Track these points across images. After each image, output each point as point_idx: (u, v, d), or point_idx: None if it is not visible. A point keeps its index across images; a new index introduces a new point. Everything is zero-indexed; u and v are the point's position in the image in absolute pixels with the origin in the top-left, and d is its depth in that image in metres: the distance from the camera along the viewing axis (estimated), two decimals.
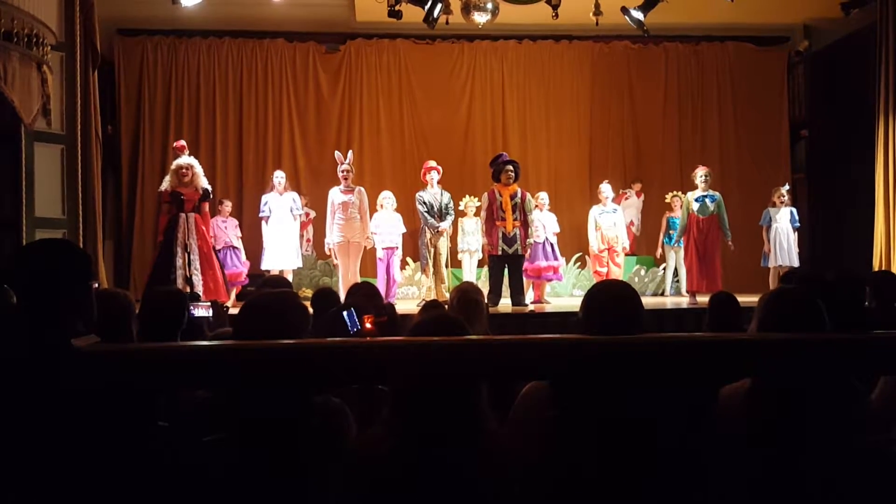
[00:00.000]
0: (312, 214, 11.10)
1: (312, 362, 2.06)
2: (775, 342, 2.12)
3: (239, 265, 9.16)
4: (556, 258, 9.08)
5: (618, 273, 9.07)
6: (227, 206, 9.55)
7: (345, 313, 2.84)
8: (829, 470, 2.02)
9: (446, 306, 3.95)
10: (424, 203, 8.65)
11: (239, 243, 9.42)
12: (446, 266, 8.87)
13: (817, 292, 2.27)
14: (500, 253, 8.33)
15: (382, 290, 7.72)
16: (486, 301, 3.94)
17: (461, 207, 9.89)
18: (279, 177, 9.07)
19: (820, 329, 2.17)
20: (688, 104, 12.61)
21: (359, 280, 7.85)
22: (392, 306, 3.56)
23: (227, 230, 9.25)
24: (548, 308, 8.53)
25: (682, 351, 2.12)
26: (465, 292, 3.81)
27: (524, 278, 8.69)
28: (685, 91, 12.60)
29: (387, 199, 9.04)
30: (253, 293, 3.99)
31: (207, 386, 2.27)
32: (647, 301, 8.96)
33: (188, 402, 2.47)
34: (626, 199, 11.47)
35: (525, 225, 8.42)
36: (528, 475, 2.02)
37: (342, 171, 8.48)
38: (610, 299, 2.33)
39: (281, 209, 8.91)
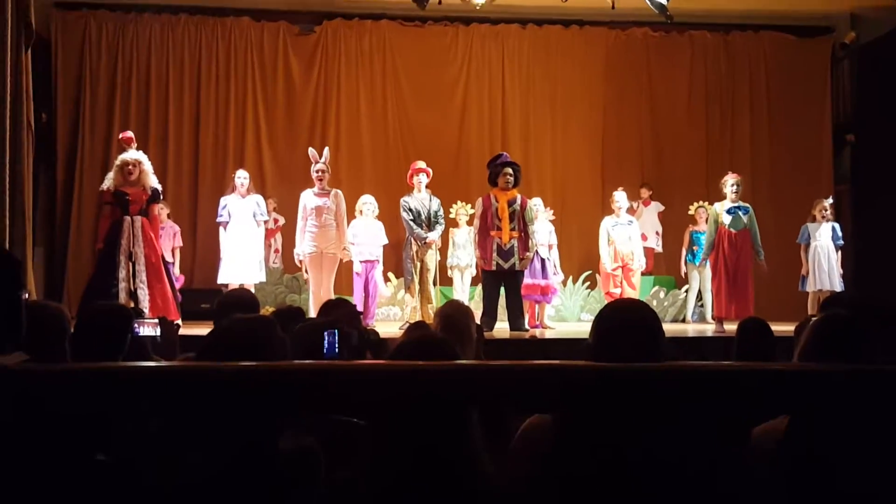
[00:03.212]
0: (280, 221, 11.09)
1: (276, 387, 2.05)
2: (819, 373, 2.12)
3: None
4: (545, 276, 9.06)
5: (633, 295, 9.09)
6: (163, 210, 9.54)
7: (327, 333, 2.85)
8: None
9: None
10: (410, 210, 8.66)
11: (173, 256, 9.50)
12: (434, 284, 8.87)
13: (869, 319, 2.28)
14: (494, 268, 8.36)
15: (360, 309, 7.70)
16: (477, 324, 3.94)
17: (452, 215, 9.90)
18: (242, 177, 9.06)
19: (872, 361, 2.17)
20: (716, 102, 12.71)
21: (332, 296, 7.83)
22: (376, 333, 3.57)
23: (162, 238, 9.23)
24: (551, 334, 8.53)
25: (707, 382, 2.12)
26: (449, 317, 3.80)
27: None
28: (713, 87, 12.70)
29: (367, 204, 9.05)
30: (214, 312, 3.97)
31: (156, 414, 2.26)
32: (667, 328, 8.94)
33: (135, 434, 2.45)
34: (636, 211, 11.51)
35: (525, 236, 8.45)
36: None
37: (316, 172, 8.48)
38: (624, 322, 2.35)
39: (242, 214, 8.90)
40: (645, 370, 2.13)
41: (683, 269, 10.85)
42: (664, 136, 12.65)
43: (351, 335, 2.89)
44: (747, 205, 8.77)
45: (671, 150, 12.61)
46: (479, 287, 9.15)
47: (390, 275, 10.60)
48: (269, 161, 11.84)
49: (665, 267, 11.87)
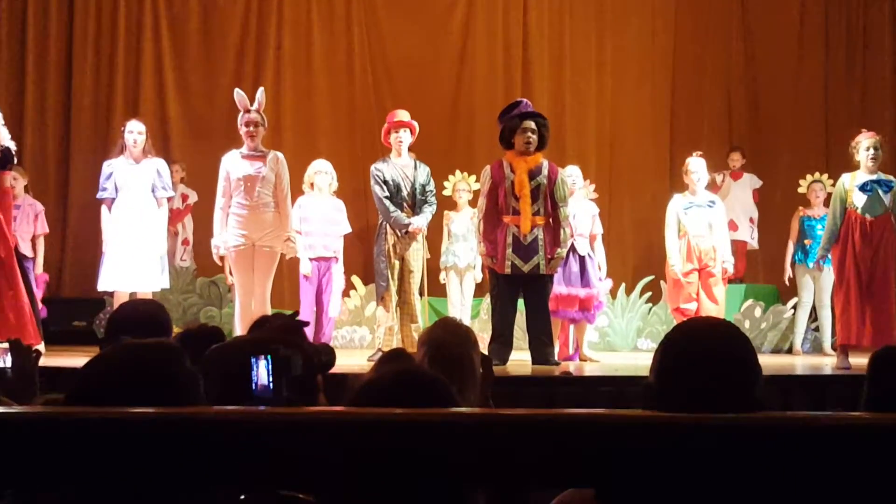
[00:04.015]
0: (191, 198, 11.08)
1: (181, 447, 2.04)
2: None
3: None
4: (585, 283, 9.08)
5: (715, 312, 9.10)
6: (18, 181, 9.44)
7: (256, 360, 2.83)
8: None
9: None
10: (386, 183, 8.66)
11: (34, 248, 9.44)
12: (421, 293, 8.87)
13: None
14: (508, 271, 8.36)
15: (310, 332, 7.68)
16: (483, 354, 3.93)
17: (448, 192, 9.89)
18: (135, 131, 9.03)
19: None
20: (839, 37, 12.72)
21: (268, 310, 7.83)
22: (330, 351, 3.54)
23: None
24: (593, 370, 8.54)
25: (827, 443, 2.11)
26: (441, 343, 3.79)
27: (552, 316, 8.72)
28: (835, 15, 12.73)
29: (321, 174, 9.06)
30: (104, 336, 3.94)
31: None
32: (765, 362, 8.98)
33: None
34: (721, 187, 11.51)
35: (555, 224, 8.46)
36: None
37: (246, 125, 8.45)
38: (702, 352, 2.36)
39: (136, 186, 8.88)
40: (732, 424, 2.12)
41: (789, 273, 10.87)
42: (763, 79, 12.71)
43: (291, 361, 2.87)
44: (891, 177, 8.73)
45: (773, 100, 12.67)
46: (487, 299, 9.15)
47: (355, 280, 10.61)
48: (175, 109, 11.86)
49: (763, 270, 11.92)
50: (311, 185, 9.08)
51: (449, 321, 4.14)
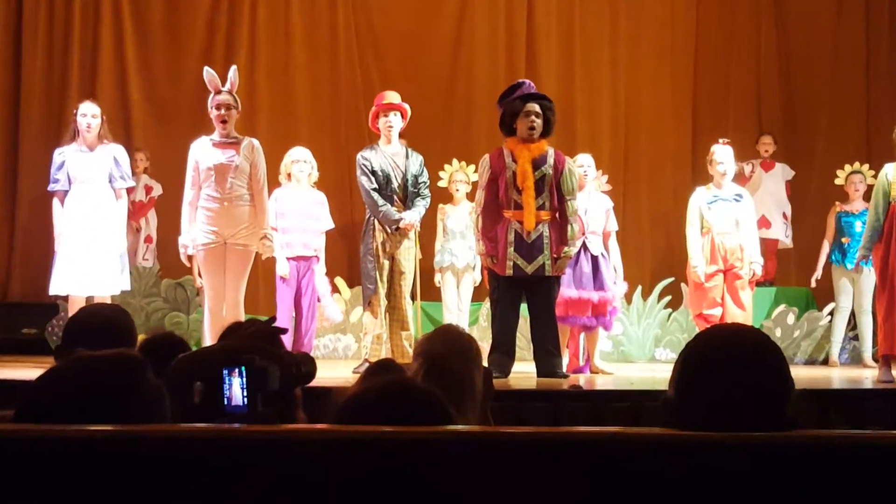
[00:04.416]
0: (155, 190, 11.07)
1: (144, 468, 2.04)
2: None
3: None
4: (597, 285, 9.09)
5: (742, 319, 9.10)
6: None
7: (228, 372, 2.83)
8: None
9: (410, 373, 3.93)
10: (374, 173, 8.66)
11: None
12: (413, 298, 8.86)
13: None
14: (510, 272, 8.37)
15: (287, 340, 7.68)
16: (484, 367, 3.93)
17: (443, 183, 9.88)
18: (89, 114, 9.01)
19: None
20: (881, 12, 12.75)
21: (241, 316, 7.85)
22: (309, 360, 3.54)
23: None
24: (606, 383, 8.55)
25: (868, 464, 2.12)
26: (438, 356, 3.78)
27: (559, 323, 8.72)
28: None
29: (300, 163, 9.07)
30: (61, 345, 3.93)
31: None
32: (799, 374, 8.99)
33: None
34: (749, 178, 11.50)
35: (562, 219, 8.47)
36: None
37: (217, 108, 8.44)
38: (728, 363, 2.37)
39: (92, 177, 8.87)
40: (760, 444, 2.13)
41: (819, 274, 10.89)
42: (798, 56, 12.71)
43: (268, 373, 2.87)
44: None
45: (808, 82, 12.68)
46: (486, 304, 9.15)
47: (339, 282, 10.60)
48: (137, 90, 11.86)
49: (796, 272, 11.91)
50: (289, 175, 9.06)
51: (450, 330, 4.09)
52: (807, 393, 3.05)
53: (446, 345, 3.89)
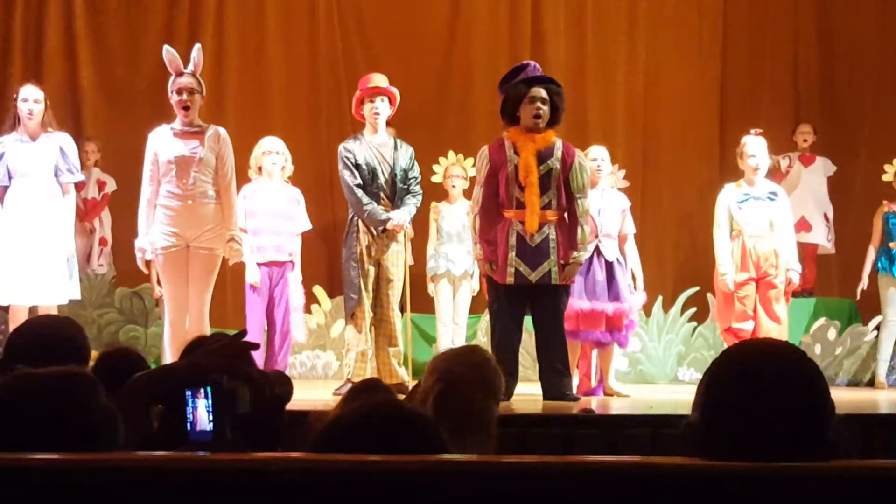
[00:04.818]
0: (109, 186, 11.06)
1: (97, 499, 2.03)
2: None
3: None
4: (612, 296, 9.10)
5: (777, 334, 9.11)
6: None
7: (191, 393, 2.82)
8: None
9: (401, 396, 3.92)
10: (358, 167, 8.66)
11: None
12: (402, 309, 8.86)
13: None
14: (512, 280, 8.36)
15: (259, 357, 7.68)
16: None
17: (437, 179, 9.89)
18: (30, 98, 9.00)
19: None
20: None
21: (207, 330, 7.86)
22: (285, 380, 3.54)
23: None
24: (621, 406, 8.56)
25: None
26: (456, 380, 3.73)
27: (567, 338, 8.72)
28: None
29: (273, 155, 9.09)
30: (1, 369, 3.93)
31: None
32: (841, 396, 8.99)
33: None
34: (786, 174, 11.51)
35: (571, 220, 8.47)
36: None
37: (178, 91, 8.43)
38: (758, 383, 2.35)
39: (33, 171, 8.86)
40: (797, 475, 2.13)
41: (865, 283, 10.92)
42: (840, 34, 12.72)
43: (236, 394, 2.86)
44: None
45: (853, 61, 12.67)
46: (485, 316, 9.14)
47: (318, 291, 10.61)
48: (88, 73, 11.86)
49: (839, 282, 11.92)
50: (259, 169, 9.05)
51: (476, 353, 3.96)
52: (849, 418, 3.04)
53: (470, 369, 3.84)
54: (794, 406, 2.31)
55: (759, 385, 2.34)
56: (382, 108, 8.79)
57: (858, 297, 11.01)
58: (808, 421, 2.31)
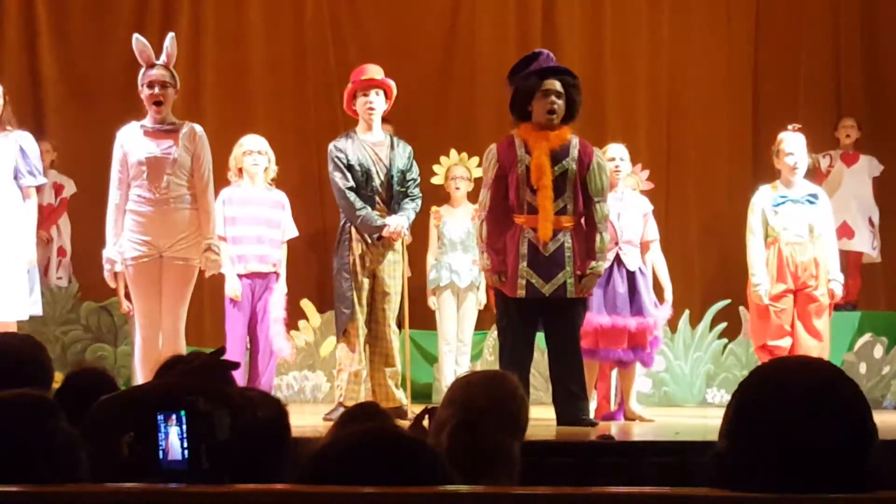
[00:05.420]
0: (68, 189, 11.08)
1: None
2: None
3: None
4: (634, 310, 9.11)
5: (817, 352, 9.12)
6: None
7: (163, 418, 2.83)
8: None
9: (401, 421, 3.93)
10: (350, 167, 8.68)
11: None
12: (400, 325, 8.87)
13: None
14: (523, 294, 8.37)
15: (240, 375, 7.69)
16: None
17: (438, 180, 9.91)
18: None
19: None
20: None
21: (182, 348, 7.89)
22: (274, 402, 3.55)
23: None
24: (644, 432, 8.57)
25: None
26: (478, 413, 3.73)
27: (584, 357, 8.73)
28: None
29: (255, 155, 9.11)
30: None
31: None
32: (886, 421, 8.99)
33: None
34: (826, 175, 11.52)
35: (589, 226, 8.50)
36: None
37: (149, 85, 8.45)
38: (794, 406, 2.35)
39: None
40: None
41: None
42: (886, 19, 12.72)
43: (214, 418, 2.87)
44: None
45: None
46: (493, 332, 9.16)
47: (306, 305, 10.63)
48: (50, 65, 11.89)
49: (885, 293, 11.94)
50: (240, 171, 9.06)
51: (505, 383, 3.89)
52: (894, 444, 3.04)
53: (494, 401, 3.84)
54: (831, 431, 2.31)
55: (793, 407, 2.34)
56: (377, 103, 8.79)
57: None
58: (846, 448, 2.30)
